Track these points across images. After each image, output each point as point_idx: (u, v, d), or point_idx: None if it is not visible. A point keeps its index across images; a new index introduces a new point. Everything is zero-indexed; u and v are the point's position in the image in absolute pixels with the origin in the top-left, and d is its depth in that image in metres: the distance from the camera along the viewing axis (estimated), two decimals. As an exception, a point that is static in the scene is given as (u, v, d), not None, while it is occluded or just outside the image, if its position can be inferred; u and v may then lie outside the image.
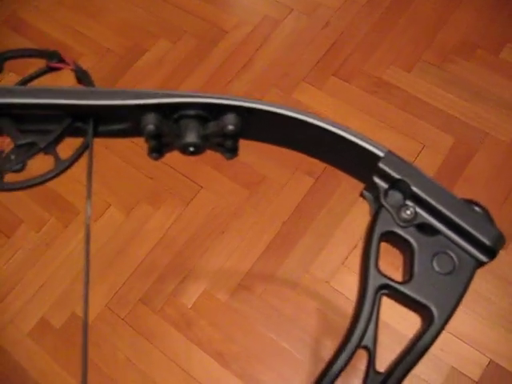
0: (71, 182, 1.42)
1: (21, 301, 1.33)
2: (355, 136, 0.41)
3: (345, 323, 1.29)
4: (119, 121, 0.47)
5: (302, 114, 0.42)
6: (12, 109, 0.45)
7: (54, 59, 0.54)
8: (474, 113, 1.41)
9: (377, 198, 0.42)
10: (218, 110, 0.43)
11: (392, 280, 0.39)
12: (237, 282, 1.27)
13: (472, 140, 1.37)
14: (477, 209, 0.40)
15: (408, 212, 0.40)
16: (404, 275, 0.41)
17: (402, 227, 0.40)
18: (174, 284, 1.29)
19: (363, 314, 0.39)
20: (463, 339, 1.16)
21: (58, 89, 0.44)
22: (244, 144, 1.50)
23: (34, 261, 1.37)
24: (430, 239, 0.40)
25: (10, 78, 1.58)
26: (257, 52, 1.57)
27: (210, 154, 1.52)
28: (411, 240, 0.40)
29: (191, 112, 0.44)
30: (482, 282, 1.20)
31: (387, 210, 0.40)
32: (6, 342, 1.29)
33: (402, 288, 0.39)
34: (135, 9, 1.73)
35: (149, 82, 1.57)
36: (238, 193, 1.36)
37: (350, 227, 1.29)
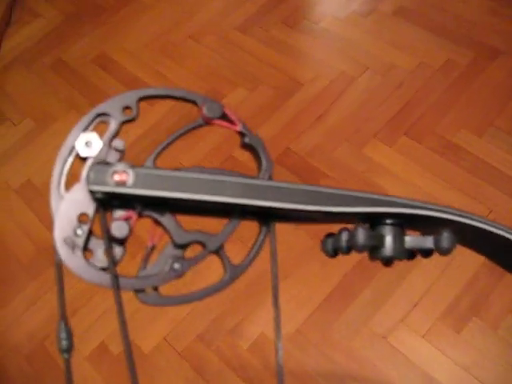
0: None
1: (83, 324, 1.38)
2: None
3: (400, 380, 1.28)
4: (303, 218, 0.40)
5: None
6: (176, 202, 0.36)
7: (213, 112, 0.41)
8: (544, 182, 1.41)
9: None
10: (430, 222, 0.37)
11: None
12: (295, 327, 1.29)
13: (542, 209, 1.36)
14: None
15: None
16: None
17: None
18: (233, 324, 1.31)
19: None
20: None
21: (233, 181, 0.35)
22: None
23: (99, 287, 1.42)
24: None
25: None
26: (331, 106, 1.63)
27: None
28: None
29: (394, 220, 0.36)
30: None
31: None
32: (65, 362, 1.34)
33: None
34: (216, 56, 1.83)
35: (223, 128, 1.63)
36: (303, 241, 1.39)
37: (411, 286, 1.29)
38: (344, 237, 0.36)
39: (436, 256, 1.23)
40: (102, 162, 0.36)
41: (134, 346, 1.32)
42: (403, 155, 1.50)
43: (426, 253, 0.37)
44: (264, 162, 0.40)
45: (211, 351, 1.29)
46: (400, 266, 1.37)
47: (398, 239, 0.36)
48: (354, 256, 1.14)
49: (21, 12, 2.20)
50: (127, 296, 0.37)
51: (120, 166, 0.34)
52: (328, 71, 1.71)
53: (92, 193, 0.35)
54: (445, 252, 0.35)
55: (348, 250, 0.36)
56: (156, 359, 1.30)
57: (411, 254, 0.38)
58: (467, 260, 1.30)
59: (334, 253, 0.38)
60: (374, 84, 1.66)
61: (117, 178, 0.34)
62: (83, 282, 1.29)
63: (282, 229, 1.33)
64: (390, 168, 1.47)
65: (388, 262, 0.37)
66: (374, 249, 0.36)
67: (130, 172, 0.34)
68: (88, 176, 0.34)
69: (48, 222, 1.56)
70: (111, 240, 0.36)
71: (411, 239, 0.36)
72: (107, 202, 0.36)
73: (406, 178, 1.45)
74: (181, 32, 1.94)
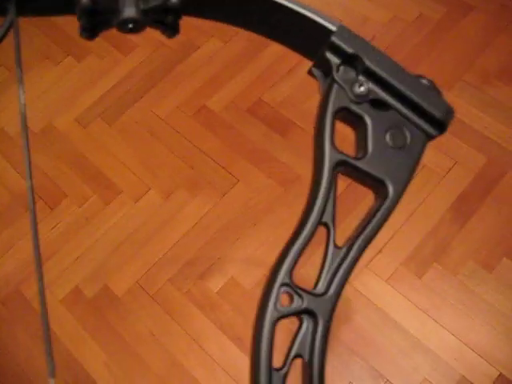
0: (115, 162, 1.50)
1: (58, 269, 1.41)
2: (306, 9, 0.39)
3: (362, 321, 1.34)
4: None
5: None
6: None
7: None
8: (509, 136, 1.44)
9: (328, 75, 0.40)
10: None
11: (348, 156, 0.39)
12: (263, 272, 1.33)
13: (504, 162, 1.41)
14: (424, 81, 0.39)
15: (361, 88, 0.39)
16: (357, 152, 0.40)
17: (356, 103, 0.39)
18: (203, 269, 1.35)
19: (321, 191, 0.38)
20: (476, 351, 1.20)
21: None
22: (281, 143, 1.57)
23: (73, 233, 1.45)
24: (383, 114, 0.39)
25: None
26: (303, 59, 1.63)
27: (247, 147, 1.56)
28: (365, 116, 0.39)
29: None
30: (500, 297, 1.24)
31: (340, 85, 0.39)
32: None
33: (358, 164, 0.39)
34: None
35: (197, 78, 1.65)
36: (273, 189, 1.42)
37: (376, 232, 1.34)
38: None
39: (402, 204, 1.26)
40: None
41: (108, 290, 1.36)
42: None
43: (167, 13, 0.39)
44: None
45: (182, 294, 1.33)
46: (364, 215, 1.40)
47: (134, 2, 0.37)
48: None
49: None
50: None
51: None
52: (302, 23, 1.71)
53: None
54: (172, 6, 0.37)
55: (89, 17, 0.37)
56: (128, 302, 1.34)
57: (155, 21, 0.39)
58: (431, 208, 1.35)
59: (91, 32, 0.39)
60: (347, 37, 1.67)
61: None
62: (57, 230, 1.29)
63: (252, 177, 1.36)
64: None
65: (131, 26, 0.38)
66: (113, 15, 0.37)
67: None
68: None
69: (22, 170, 1.57)
70: None
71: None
72: None
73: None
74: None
